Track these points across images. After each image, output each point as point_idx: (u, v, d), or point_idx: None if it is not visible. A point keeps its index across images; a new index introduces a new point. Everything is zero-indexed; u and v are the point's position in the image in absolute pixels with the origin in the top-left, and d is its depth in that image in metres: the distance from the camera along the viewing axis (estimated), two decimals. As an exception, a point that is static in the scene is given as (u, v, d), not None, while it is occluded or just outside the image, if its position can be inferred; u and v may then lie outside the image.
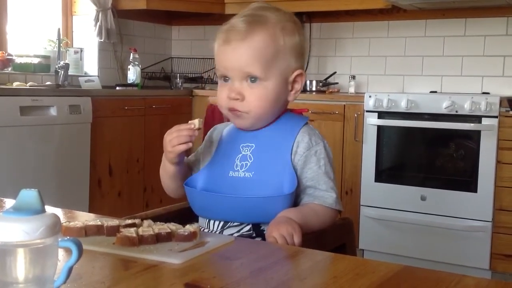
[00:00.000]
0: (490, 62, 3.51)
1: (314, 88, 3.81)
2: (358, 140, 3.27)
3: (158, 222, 1.03)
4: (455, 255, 3.03)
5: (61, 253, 0.83)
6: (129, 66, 3.92)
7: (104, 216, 1.13)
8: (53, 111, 2.99)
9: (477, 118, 2.97)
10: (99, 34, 3.87)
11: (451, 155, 3.12)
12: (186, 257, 0.89)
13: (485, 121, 2.95)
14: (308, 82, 3.80)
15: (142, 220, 1.04)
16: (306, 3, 3.68)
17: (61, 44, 3.73)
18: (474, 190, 2.98)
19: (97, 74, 3.95)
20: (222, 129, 1.35)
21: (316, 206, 1.22)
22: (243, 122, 1.26)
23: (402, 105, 3.13)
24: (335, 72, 3.91)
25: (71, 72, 3.70)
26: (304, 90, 3.62)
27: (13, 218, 0.67)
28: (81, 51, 3.90)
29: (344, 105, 3.32)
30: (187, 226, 0.98)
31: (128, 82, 3.90)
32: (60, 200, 2.87)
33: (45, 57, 3.64)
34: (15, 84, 3.28)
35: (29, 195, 0.70)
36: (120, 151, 3.40)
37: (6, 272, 0.67)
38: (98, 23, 3.86)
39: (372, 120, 3.21)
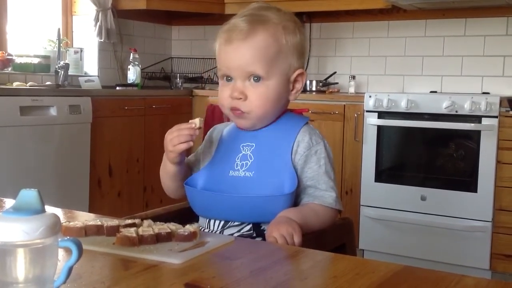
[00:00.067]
0: (490, 62, 3.51)
1: (314, 88, 3.81)
2: (358, 140, 3.27)
3: (158, 222, 1.03)
4: (455, 255, 3.03)
5: (61, 253, 0.83)
6: (129, 66, 3.92)
7: (104, 216, 1.13)
8: (53, 111, 2.99)
9: (477, 118, 2.97)
10: (99, 34, 3.87)
11: (451, 155, 3.12)
12: (186, 257, 0.89)
13: (485, 121, 2.95)
14: (308, 82, 3.81)
15: (142, 220, 1.04)
16: (306, 3, 3.68)
17: (61, 44, 3.73)
18: (474, 190, 2.98)
19: (97, 74, 3.95)
20: (222, 129, 1.35)
21: (316, 206, 1.22)
22: (245, 123, 1.26)
23: (402, 105, 3.13)
24: (335, 72, 3.91)
25: (71, 72, 3.70)
26: (304, 90, 3.62)
27: (13, 218, 0.67)
28: (81, 51, 3.90)
29: (344, 105, 3.32)
30: (187, 226, 0.98)
31: (128, 82, 3.90)
32: (60, 200, 2.87)
33: (45, 57, 3.64)
34: (15, 84, 3.28)
35: (29, 195, 0.70)
36: (120, 151, 3.40)
37: (6, 272, 0.67)
38: (98, 23, 3.86)
39: (372, 120, 3.21)
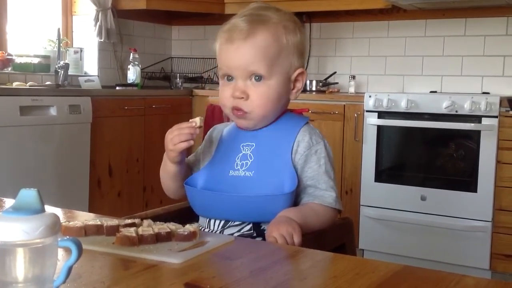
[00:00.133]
0: (490, 62, 3.51)
1: (314, 88, 3.81)
2: (358, 140, 3.27)
3: (158, 222, 1.03)
4: (455, 255, 3.03)
5: (60, 252, 0.83)
6: (129, 66, 3.92)
7: (103, 216, 1.13)
8: (53, 111, 2.99)
9: (477, 118, 2.97)
10: (99, 34, 3.87)
11: (451, 155, 3.12)
12: (186, 256, 0.89)
13: (485, 121, 2.94)
14: (308, 82, 3.80)
15: (141, 220, 1.04)
16: (306, 3, 3.68)
17: (61, 44, 3.73)
18: (474, 190, 2.98)
19: (97, 74, 3.95)
20: (222, 129, 1.35)
21: (316, 206, 1.22)
22: (246, 123, 1.26)
23: (402, 105, 3.13)
24: (335, 72, 3.91)
25: (71, 72, 3.70)
26: (304, 90, 3.62)
27: (13, 217, 0.67)
28: (81, 51, 3.90)
29: (344, 105, 3.32)
30: (187, 226, 0.98)
31: (128, 82, 3.90)
32: (60, 200, 2.87)
33: (45, 57, 3.64)
34: (15, 84, 3.28)
35: (28, 194, 0.70)
36: (120, 151, 3.40)
37: (6, 272, 0.67)
38: (98, 23, 3.86)
39: (372, 120, 3.21)
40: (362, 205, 3.26)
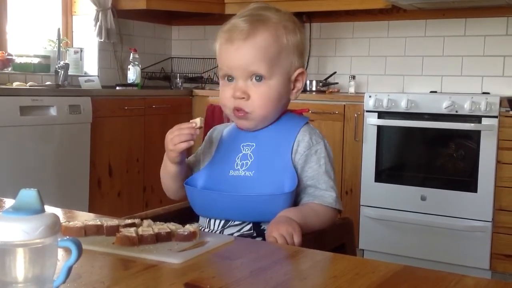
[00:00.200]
0: (490, 62, 3.51)
1: (314, 88, 3.81)
2: (358, 140, 3.27)
3: (158, 222, 1.03)
4: (455, 255, 3.03)
5: (60, 252, 0.83)
6: (129, 66, 3.92)
7: (103, 216, 1.13)
8: (53, 111, 2.99)
9: (477, 118, 2.96)
10: (99, 34, 3.87)
11: (451, 155, 3.12)
12: (186, 257, 0.89)
13: (485, 121, 2.94)
14: (308, 82, 3.80)
15: (141, 220, 1.04)
16: (306, 3, 3.68)
17: (61, 44, 3.73)
18: (474, 190, 2.98)
19: (97, 74, 3.95)
20: (222, 130, 1.35)
21: (316, 206, 1.22)
22: (247, 124, 1.26)
23: (402, 105, 3.13)
24: (335, 72, 3.91)
25: (71, 72, 3.70)
26: (304, 90, 3.62)
27: (13, 217, 0.67)
28: (81, 51, 3.90)
29: (344, 105, 3.32)
30: (187, 226, 0.98)
31: (128, 82, 3.90)
32: (60, 200, 2.87)
33: (45, 57, 3.64)
34: (15, 84, 3.28)
35: (28, 194, 0.70)
36: (120, 151, 3.40)
37: (6, 272, 0.67)
38: (98, 23, 3.86)
39: (372, 120, 3.21)
40: (362, 205, 3.26)
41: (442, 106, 3.03)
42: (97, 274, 0.82)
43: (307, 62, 4.01)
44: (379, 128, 3.22)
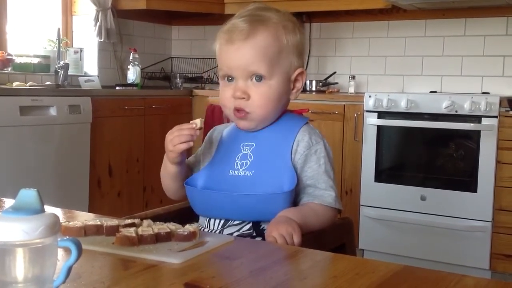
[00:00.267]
0: (490, 62, 3.51)
1: (314, 88, 3.81)
2: (358, 140, 3.27)
3: (158, 222, 1.03)
4: (455, 255, 3.03)
5: (60, 252, 0.83)
6: (129, 66, 3.92)
7: (103, 216, 1.13)
8: (53, 111, 2.99)
9: (477, 118, 2.97)
10: (99, 34, 3.87)
11: (451, 155, 3.12)
12: (186, 257, 0.89)
13: (485, 121, 2.94)
14: (308, 82, 3.81)
15: (141, 220, 1.04)
16: (306, 3, 3.68)
17: (61, 44, 3.73)
18: (474, 190, 2.98)
19: (97, 74, 3.95)
20: (222, 130, 1.35)
21: (316, 206, 1.22)
22: (247, 124, 1.27)
23: (402, 105, 3.13)
24: (335, 72, 3.91)
25: (71, 72, 3.70)
26: (304, 90, 3.62)
27: (13, 217, 0.67)
28: (81, 51, 3.90)
29: (344, 105, 3.32)
30: (187, 226, 0.98)
31: (128, 82, 3.90)
32: (60, 200, 2.87)
33: (45, 57, 3.64)
34: (15, 84, 3.28)
35: (28, 194, 0.70)
36: (120, 151, 3.40)
37: (6, 272, 0.67)
38: (98, 23, 3.86)
39: (372, 120, 3.21)
40: (362, 205, 3.26)
41: (442, 106, 3.03)
42: (97, 274, 0.82)
43: (307, 62, 4.01)
44: (379, 128, 3.22)
